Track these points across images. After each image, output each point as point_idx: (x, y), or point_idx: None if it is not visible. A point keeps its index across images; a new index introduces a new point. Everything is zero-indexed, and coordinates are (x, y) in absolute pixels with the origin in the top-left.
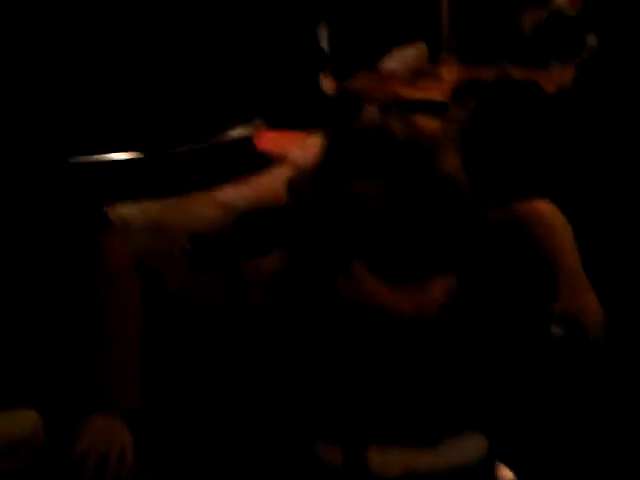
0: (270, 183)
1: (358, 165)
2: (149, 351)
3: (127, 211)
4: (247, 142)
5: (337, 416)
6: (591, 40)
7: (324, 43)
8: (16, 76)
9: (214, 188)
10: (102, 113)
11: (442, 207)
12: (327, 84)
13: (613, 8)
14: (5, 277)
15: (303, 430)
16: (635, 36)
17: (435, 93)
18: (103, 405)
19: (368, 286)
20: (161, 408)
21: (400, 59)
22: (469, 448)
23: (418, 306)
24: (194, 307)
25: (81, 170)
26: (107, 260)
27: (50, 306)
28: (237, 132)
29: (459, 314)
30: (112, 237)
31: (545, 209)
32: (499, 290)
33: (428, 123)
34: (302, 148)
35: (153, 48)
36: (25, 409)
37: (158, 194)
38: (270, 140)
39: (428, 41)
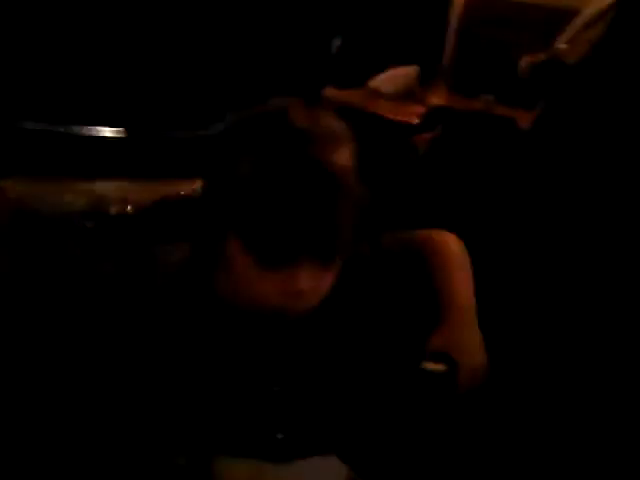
0: None
1: (247, 143)
2: None
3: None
4: None
5: (186, 424)
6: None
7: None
8: None
9: None
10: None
11: (316, 194)
12: (329, 93)
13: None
14: None
15: (164, 438)
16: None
17: (414, 117)
18: None
19: (239, 267)
20: None
21: (389, 78)
22: (326, 472)
23: (284, 294)
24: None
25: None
26: None
27: None
28: None
29: (328, 326)
30: None
31: (445, 238)
32: (374, 312)
33: (333, 120)
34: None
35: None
36: None
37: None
38: None
39: (424, 65)
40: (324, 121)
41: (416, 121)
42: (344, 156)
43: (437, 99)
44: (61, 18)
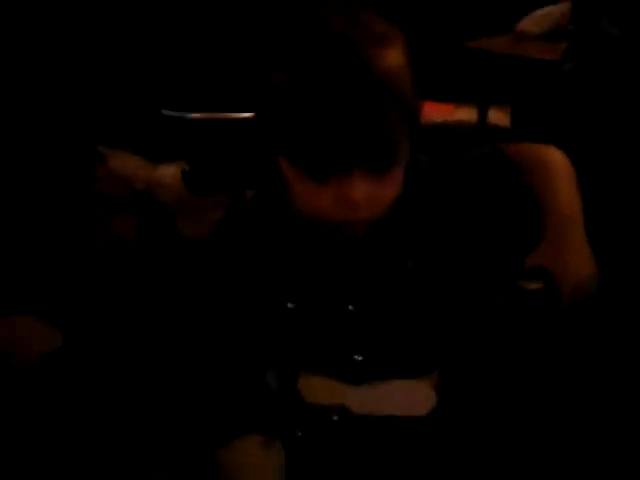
0: None
1: (284, 54)
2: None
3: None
4: None
5: (274, 340)
6: None
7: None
8: None
9: None
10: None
11: (359, 97)
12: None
13: None
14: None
15: (256, 360)
16: None
17: None
18: None
19: (294, 183)
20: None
21: (536, 19)
22: (408, 397)
23: (340, 206)
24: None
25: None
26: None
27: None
28: None
29: (408, 242)
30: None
31: (551, 151)
32: (460, 226)
33: (376, 20)
34: None
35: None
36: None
37: None
38: None
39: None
40: (365, 22)
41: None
42: (391, 57)
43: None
44: None
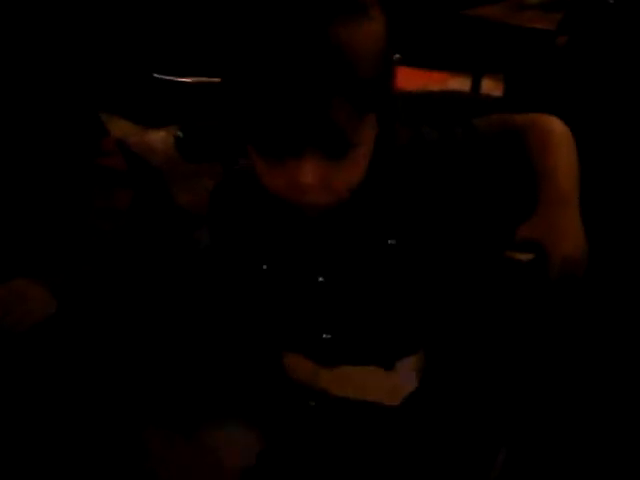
0: None
1: (250, 29)
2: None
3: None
4: None
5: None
6: None
7: None
8: None
9: None
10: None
11: (310, 74)
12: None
13: None
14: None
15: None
16: None
17: None
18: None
19: (257, 167)
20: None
21: None
22: (384, 382)
23: (294, 188)
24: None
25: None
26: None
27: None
28: None
29: (380, 217)
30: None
31: (550, 119)
32: (443, 198)
33: None
34: None
35: None
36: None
37: None
38: (407, 77)
39: None
40: None
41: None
42: (355, 32)
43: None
44: None
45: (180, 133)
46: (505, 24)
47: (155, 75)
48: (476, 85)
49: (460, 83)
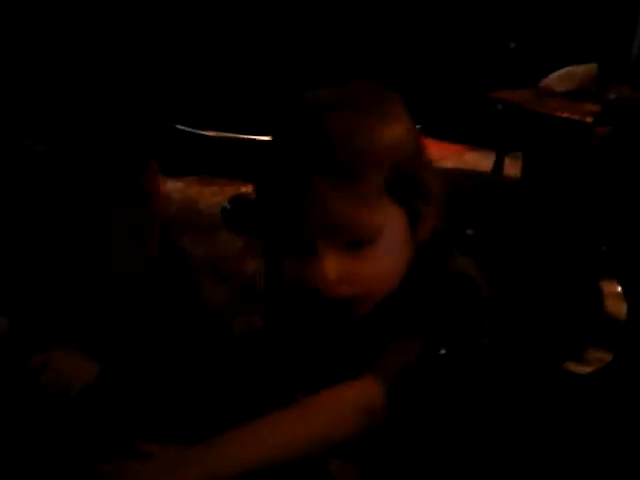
0: None
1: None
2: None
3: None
4: None
5: None
6: None
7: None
8: None
9: None
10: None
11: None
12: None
13: None
14: None
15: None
16: None
17: (589, 115)
18: None
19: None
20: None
21: (563, 77)
22: None
23: (313, 281)
24: None
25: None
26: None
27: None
28: None
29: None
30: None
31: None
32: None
33: (376, 94)
34: None
35: None
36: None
37: None
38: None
39: (605, 64)
40: (357, 91)
41: (590, 119)
42: (374, 130)
43: (617, 95)
44: None
45: (228, 205)
46: (533, 111)
47: (178, 127)
48: (499, 163)
49: (475, 157)
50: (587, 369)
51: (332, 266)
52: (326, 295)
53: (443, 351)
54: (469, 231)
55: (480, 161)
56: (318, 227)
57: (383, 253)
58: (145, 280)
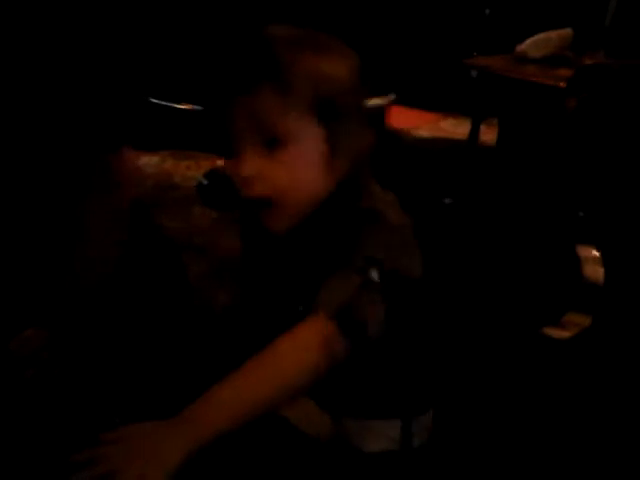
0: None
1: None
2: None
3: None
4: (378, 113)
5: None
6: None
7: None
8: None
9: None
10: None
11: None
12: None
13: None
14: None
15: None
16: None
17: (563, 80)
18: None
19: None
20: None
21: (538, 42)
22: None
23: (236, 179)
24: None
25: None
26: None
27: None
28: (371, 102)
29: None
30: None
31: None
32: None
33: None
34: None
35: None
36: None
37: None
38: (400, 116)
39: (579, 30)
40: (310, 30)
41: (563, 84)
42: (320, 60)
43: (591, 61)
44: None
45: (204, 180)
46: (510, 78)
47: (152, 100)
48: (475, 130)
49: (450, 124)
50: (566, 334)
51: (248, 162)
52: (246, 195)
53: (376, 279)
54: (447, 200)
55: (456, 128)
56: (244, 128)
57: (296, 160)
58: (112, 266)
